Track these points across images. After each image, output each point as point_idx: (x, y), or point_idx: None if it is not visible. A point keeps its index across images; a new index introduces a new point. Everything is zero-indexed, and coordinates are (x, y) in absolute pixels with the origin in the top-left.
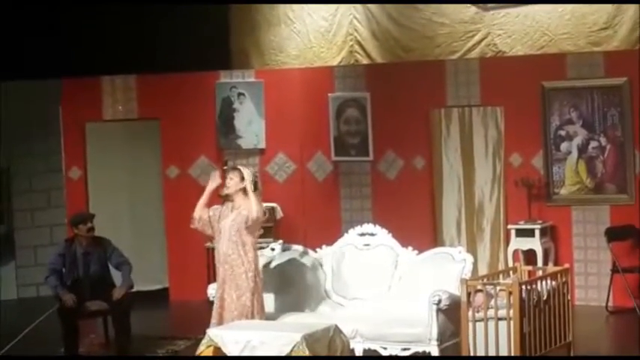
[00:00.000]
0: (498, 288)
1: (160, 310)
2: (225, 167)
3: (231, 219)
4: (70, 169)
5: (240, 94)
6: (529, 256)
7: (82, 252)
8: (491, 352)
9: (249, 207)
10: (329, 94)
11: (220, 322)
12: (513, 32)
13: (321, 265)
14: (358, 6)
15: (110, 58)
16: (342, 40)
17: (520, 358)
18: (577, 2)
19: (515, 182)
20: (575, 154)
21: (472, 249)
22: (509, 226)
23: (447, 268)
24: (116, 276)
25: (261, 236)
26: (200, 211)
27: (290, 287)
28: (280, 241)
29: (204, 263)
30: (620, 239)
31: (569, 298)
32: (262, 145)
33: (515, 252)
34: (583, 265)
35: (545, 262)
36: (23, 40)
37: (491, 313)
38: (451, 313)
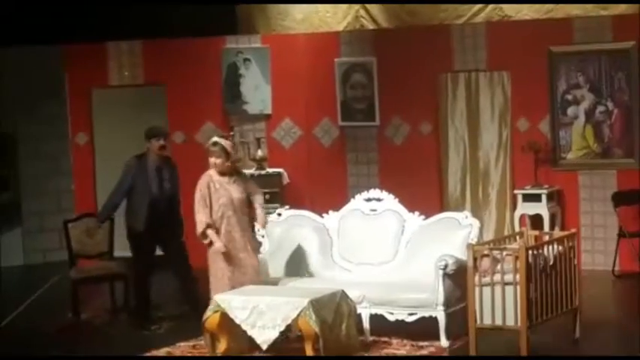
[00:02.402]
0: (505, 253)
1: (160, 277)
2: (232, 133)
3: (238, 192)
4: (76, 135)
5: (246, 60)
6: (536, 220)
7: (154, 167)
8: (498, 318)
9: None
10: (335, 60)
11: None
12: None
13: (328, 231)
14: None
15: (116, 24)
16: (348, 5)
17: (526, 358)
18: (580, 2)
19: (522, 147)
20: (582, 118)
21: (478, 214)
22: (515, 191)
23: (453, 233)
24: None
25: (267, 202)
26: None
27: (297, 253)
28: (287, 207)
29: None
30: (626, 204)
31: (575, 262)
32: (268, 110)
33: (522, 217)
34: (590, 230)
35: (552, 227)
36: (28, 5)
37: (497, 278)
38: (457, 278)
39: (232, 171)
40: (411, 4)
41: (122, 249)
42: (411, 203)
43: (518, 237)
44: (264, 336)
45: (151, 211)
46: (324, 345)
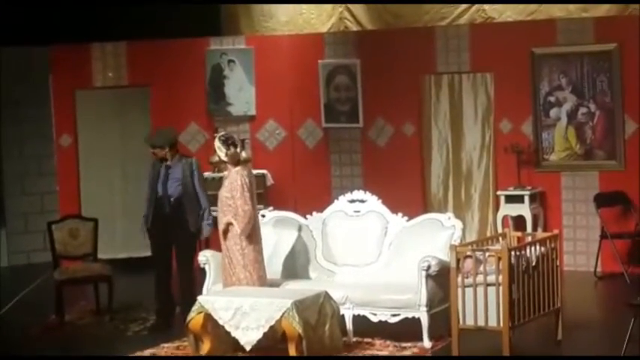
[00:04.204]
0: (487, 254)
1: (150, 278)
2: (215, 134)
3: (223, 190)
4: (60, 137)
5: (230, 61)
6: (518, 222)
7: (163, 166)
8: (481, 318)
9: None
10: (319, 61)
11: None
12: None
13: (312, 232)
14: None
15: (100, 25)
16: (332, 6)
17: (521, 358)
18: (579, 2)
19: (505, 148)
20: (564, 120)
21: (461, 215)
22: (498, 192)
23: (436, 234)
24: None
25: None
26: None
27: (280, 254)
28: (270, 208)
29: None
30: (608, 205)
31: (557, 263)
32: (252, 111)
33: (505, 218)
34: (572, 231)
35: (535, 228)
36: (12, 6)
37: (480, 278)
38: (440, 279)
39: (227, 167)
40: (395, 6)
41: (106, 251)
42: (395, 204)
43: (500, 238)
44: (248, 337)
45: (156, 211)
46: (308, 346)
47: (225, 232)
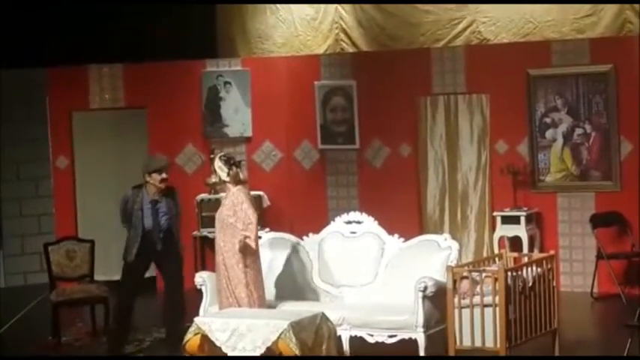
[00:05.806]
0: (484, 275)
1: (147, 299)
2: (212, 156)
3: (224, 209)
4: (57, 159)
5: (226, 83)
6: (514, 242)
7: (149, 200)
8: (477, 339)
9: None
10: (315, 83)
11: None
12: (498, 20)
13: (308, 253)
14: None
15: (97, 47)
16: (328, 28)
17: (526, 358)
18: (579, 2)
19: (501, 169)
20: (560, 141)
21: (457, 236)
22: (494, 213)
23: (432, 255)
24: None
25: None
26: None
27: (277, 275)
28: (267, 229)
29: (191, 251)
30: (605, 226)
31: (554, 284)
32: (249, 133)
33: (501, 239)
34: (568, 252)
35: (531, 249)
36: (10, 28)
37: (476, 299)
38: (437, 300)
39: (225, 187)
40: (391, 28)
41: (103, 272)
42: (391, 225)
43: (497, 259)
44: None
45: (142, 244)
46: None
47: (243, 248)
